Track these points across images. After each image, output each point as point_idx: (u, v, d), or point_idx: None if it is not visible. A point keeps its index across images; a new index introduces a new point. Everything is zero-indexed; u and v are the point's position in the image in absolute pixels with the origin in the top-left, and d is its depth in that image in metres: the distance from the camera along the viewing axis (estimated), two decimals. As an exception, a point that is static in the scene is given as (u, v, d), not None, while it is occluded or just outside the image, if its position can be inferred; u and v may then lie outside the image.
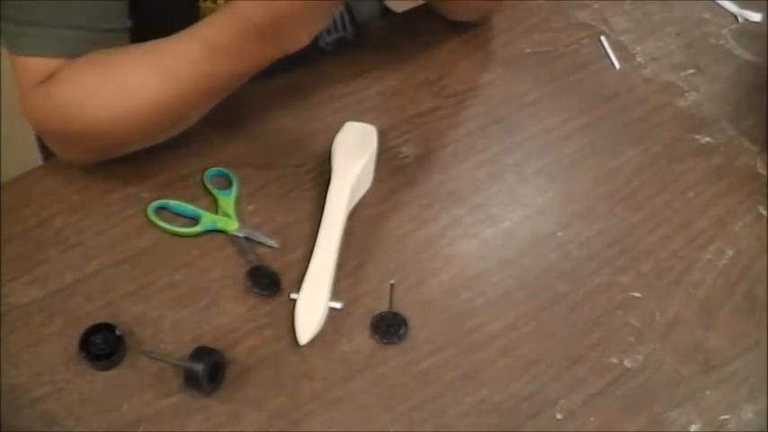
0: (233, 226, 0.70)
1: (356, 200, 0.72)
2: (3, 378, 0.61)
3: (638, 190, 0.77)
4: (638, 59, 0.89)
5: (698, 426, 0.63)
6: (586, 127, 0.82)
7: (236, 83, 0.65)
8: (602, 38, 0.90)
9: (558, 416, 0.63)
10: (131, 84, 0.64)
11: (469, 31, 0.89)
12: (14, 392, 0.60)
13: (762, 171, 0.80)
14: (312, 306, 0.64)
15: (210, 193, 0.72)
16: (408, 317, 0.66)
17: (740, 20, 0.94)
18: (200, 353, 0.61)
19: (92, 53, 0.66)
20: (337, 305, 0.65)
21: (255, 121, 0.79)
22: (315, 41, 0.85)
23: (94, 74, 0.65)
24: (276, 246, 0.70)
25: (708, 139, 0.82)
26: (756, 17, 0.94)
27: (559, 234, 0.73)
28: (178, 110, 0.66)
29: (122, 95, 0.64)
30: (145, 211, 0.70)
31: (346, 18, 0.86)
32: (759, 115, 0.84)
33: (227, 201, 0.71)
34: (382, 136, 0.75)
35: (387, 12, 1.02)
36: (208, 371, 0.60)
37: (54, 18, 0.65)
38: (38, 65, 0.66)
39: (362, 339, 0.65)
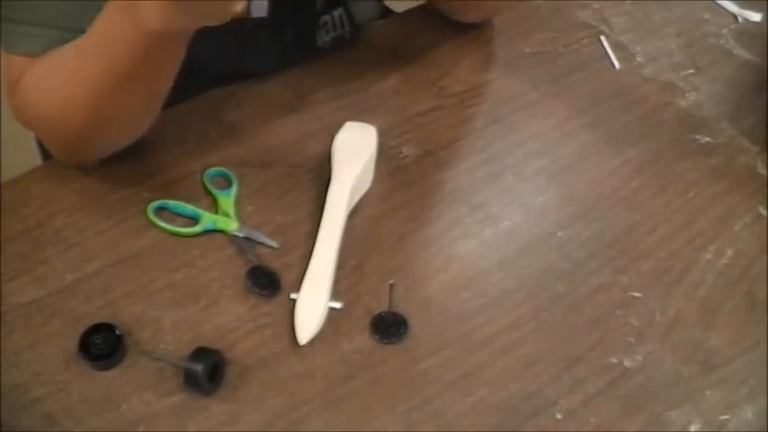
0: (233, 226, 0.70)
1: (356, 200, 0.72)
2: (3, 378, 0.61)
3: (638, 190, 0.77)
4: (638, 59, 0.89)
5: (698, 426, 0.63)
6: (586, 127, 0.82)
7: (161, 45, 0.61)
8: (602, 38, 0.90)
9: (558, 416, 0.63)
10: (71, 67, 0.65)
11: (469, 30, 0.89)
12: (14, 392, 0.60)
13: (762, 171, 0.80)
14: (312, 306, 0.64)
15: (210, 193, 0.72)
16: (408, 317, 0.66)
17: (740, 20, 0.94)
18: (200, 353, 0.61)
19: (50, 52, 0.67)
20: (337, 305, 0.65)
21: (255, 120, 0.79)
22: (313, 40, 0.86)
23: (46, 64, 0.66)
24: (276, 246, 0.70)
25: (708, 138, 0.82)
26: (756, 17, 0.94)
27: (559, 234, 0.73)
28: (119, 84, 0.63)
29: (65, 78, 0.65)
30: (145, 211, 0.70)
31: (344, 17, 0.86)
32: (759, 115, 0.84)
33: (227, 201, 0.71)
34: (382, 136, 0.75)
35: (387, 11, 1.02)
36: (207, 371, 0.60)
37: (49, 19, 0.65)
38: (23, 63, 0.67)
39: (362, 339, 0.65)
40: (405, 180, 0.76)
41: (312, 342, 0.64)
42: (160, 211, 0.71)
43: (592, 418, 0.63)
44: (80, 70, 0.64)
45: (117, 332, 0.62)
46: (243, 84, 0.79)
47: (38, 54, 0.66)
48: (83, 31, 0.66)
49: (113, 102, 0.64)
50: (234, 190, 0.72)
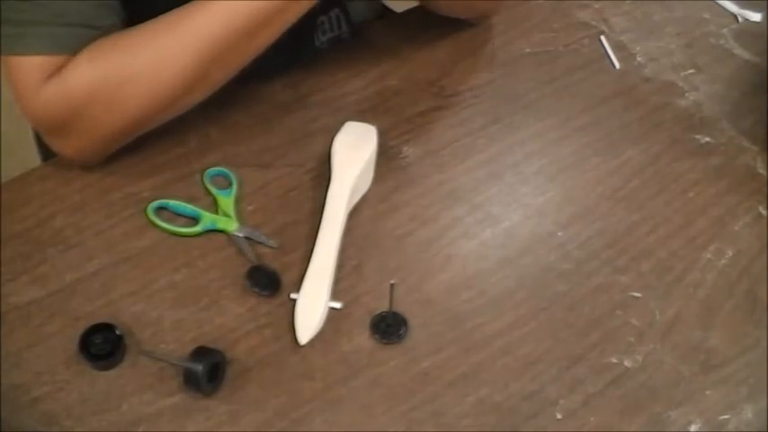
0: (233, 226, 0.70)
1: (356, 200, 0.72)
2: (3, 378, 0.61)
3: (638, 190, 0.77)
4: (638, 59, 0.89)
5: (698, 426, 0.63)
6: (586, 127, 0.82)
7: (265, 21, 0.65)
8: (602, 38, 0.90)
9: (558, 416, 0.63)
10: (163, 52, 0.65)
11: (469, 30, 0.89)
12: (14, 392, 0.60)
13: (762, 171, 0.80)
14: (312, 306, 0.64)
15: (210, 193, 0.72)
16: (408, 317, 0.66)
17: (740, 20, 0.94)
18: (200, 353, 0.61)
19: (101, 39, 0.66)
20: (337, 305, 0.65)
21: (255, 121, 0.79)
22: (311, 41, 0.86)
23: (117, 52, 0.66)
24: (276, 246, 0.70)
25: (708, 138, 0.82)
26: (756, 17, 0.94)
27: (559, 234, 0.73)
28: (214, 62, 0.66)
29: (156, 64, 0.65)
30: (145, 211, 0.70)
31: (342, 17, 0.86)
32: (759, 115, 0.84)
33: (227, 201, 0.71)
34: (382, 136, 0.75)
35: (386, 11, 1.02)
36: (208, 371, 0.60)
37: (51, 17, 0.65)
38: (42, 63, 0.65)
39: (362, 339, 0.65)
40: (405, 180, 0.76)
41: (312, 342, 0.64)
42: (160, 211, 0.71)
43: (592, 418, 0.63)
44: (182, 40, 0.65)
45: (117, 332, 0.62)
46: (243, 84, 0.79)
47: (57, 52, 0.65)
48: (99, 27, 0.67)
49: (219, 66, 0.67)
50: (234, 190, 0.72)
